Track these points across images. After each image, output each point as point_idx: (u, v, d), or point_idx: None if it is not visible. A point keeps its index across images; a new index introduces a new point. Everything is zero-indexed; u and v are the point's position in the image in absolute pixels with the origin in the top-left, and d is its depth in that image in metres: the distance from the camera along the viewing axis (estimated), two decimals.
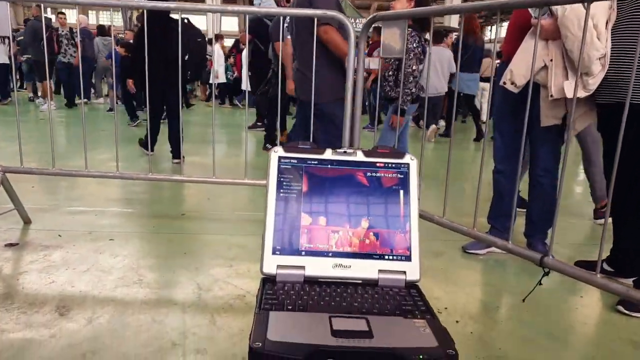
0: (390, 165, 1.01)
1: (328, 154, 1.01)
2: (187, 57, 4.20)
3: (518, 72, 2.18)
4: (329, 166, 1.01)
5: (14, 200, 2.56)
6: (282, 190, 0.98)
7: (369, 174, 1.01)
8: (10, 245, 2.36)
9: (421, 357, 0.71)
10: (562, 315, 1.94)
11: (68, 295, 1.89)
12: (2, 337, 1.59)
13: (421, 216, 1.47)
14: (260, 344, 0.73)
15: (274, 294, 0.89)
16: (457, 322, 1.82)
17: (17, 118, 2.58)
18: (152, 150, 3.83)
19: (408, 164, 1.01)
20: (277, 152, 1.01)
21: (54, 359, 1.48)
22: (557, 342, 1.73)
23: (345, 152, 1.01)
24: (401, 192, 1.00)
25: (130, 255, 2.30)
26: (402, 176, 1.01)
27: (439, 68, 6.79)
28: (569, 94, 2.04)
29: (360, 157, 1.02)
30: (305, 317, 0.81)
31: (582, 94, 2.02)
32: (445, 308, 1.92)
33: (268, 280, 0.94)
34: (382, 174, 1.01)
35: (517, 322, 1.85)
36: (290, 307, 0.84)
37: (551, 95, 2.12)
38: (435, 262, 2.41)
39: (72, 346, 1.55)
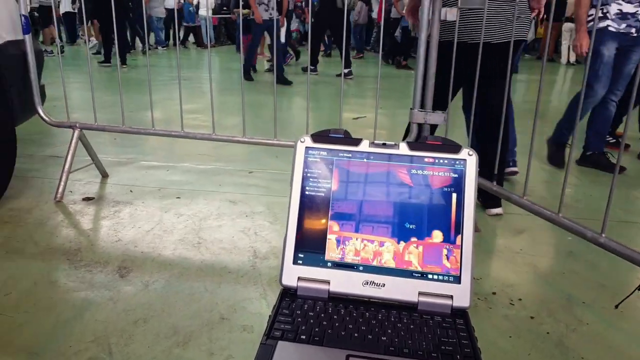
0: (441, 161, 0.81)
1: (364, 146, 0.83)
2: None
3: None
4: (365, 160, 0.83)
5: (92, 155, 2.65)
6: (308, 188, 0.83)
7: (413, 171, 0.82)
8: (87, 199, 2.46)
9: None
10: None
11: (130, 255, 1.93)
12: (67, 296, 1.65)
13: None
14: None
15: (291, 314, 0.76)
16: (531, 318, 1.60)
17: (90, 73, 2.63)
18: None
19: (465, 160, 0.81)
20: (304, 142, 0.84)
21: (109, 324, 1.50)
22: None
23: (384, 144, 0.82)
24: (454, 195, 0.80)
25: (193, 216, 2.30)
26: (456, 175, 0.81)
27: None
28: None
29: (403, 150, 0.82)
30: (318, 354, 0.68)
31: None
32: (520, 299, 1.70)
33: (287, 294, 0.81)
34: (431, 172, 0.81)
35: (606, 326, 1.59)
36: (303, 337, 0.71)
37: None
38: (513, 242, 2.15)
39: (126, 312, 1.57)
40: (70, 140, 2.51)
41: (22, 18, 2.34)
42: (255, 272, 1.83)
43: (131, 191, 2.57)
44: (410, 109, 2.09)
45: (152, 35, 12.84)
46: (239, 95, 2.81)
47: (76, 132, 2.49)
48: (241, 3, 2.35)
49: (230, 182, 2.77)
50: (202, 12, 13.54)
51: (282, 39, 8.85)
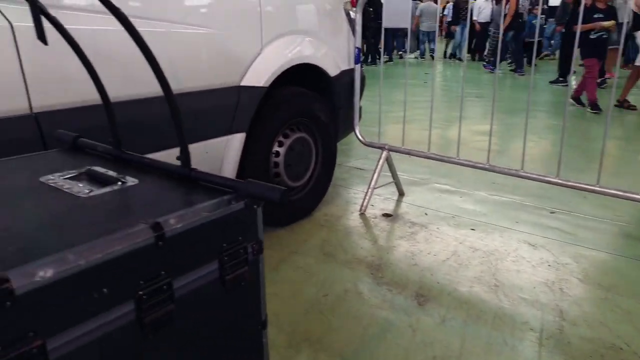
0: None
1: None
2: None
3: None
4: None
5: (394, 175, 2.85)
6: None
7: None
8: (386, 215, 2.65)
9: None
10: None
11: (427, 283, 1.98)
12: (372, 311, 1.79)
13: None
14: None
15: None
16: None
17: (405, 89, 2.81)
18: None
19: None
20: None
21: (409, 353, 1.57)
22: None
23: None
24: None
25: (489, 253, 2.22)
26: None
27: None
28: None
29: None
30: None
31: None
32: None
33: None
34: None
35: None
36: None
37: None
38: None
39: (425, 344, 1.61)
40: (377, 160, 2.74)
41: (355, 50, 2.66)
42: (563, 338, 1.64)
43: (426, 214, 2.66)
44: None
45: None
46: (553, 119, 2.57)
47: (384, 153, 2.70)
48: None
49: (528, 220, 2.58)
50: None
51: None
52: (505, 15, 9.01)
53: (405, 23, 2.42)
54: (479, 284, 1.96)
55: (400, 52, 13.41)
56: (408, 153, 2.63)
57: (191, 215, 0.80)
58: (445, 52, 13.10)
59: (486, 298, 1.87)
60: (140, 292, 0.72)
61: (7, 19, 1.38)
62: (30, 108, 1.45)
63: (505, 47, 9.88)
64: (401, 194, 2.93)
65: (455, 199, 2.88)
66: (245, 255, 0.88)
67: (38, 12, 0.74)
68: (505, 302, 1.84)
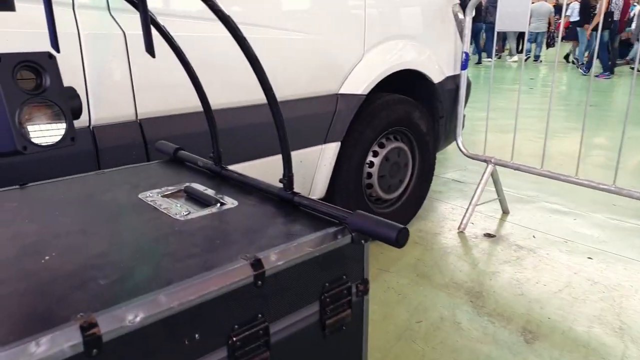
0: None
1: None
2: None
3: None
4: None
5: (499, 191, 2.61)
6: None
7: None
8: (488, 235, 2.44)
9: None
10: None
11: (535, 317, 1.76)
12: (471, 345, 1.62)
13: None
14: None
15: None
16: None
17: (518, 96, 2.57)
18: None
19: None
20: None
21: None
22: None
23: None
24: None
25: (610, 288, 1.94)
26: None
27: None
28: None
29: None
30: None
31: None
32: None
33: None
34: None
35: None
36: None
37: None
38: None
39: None
40: (481, 174, 2.53)
41: (463, 55, 2.47)
42: None
43: (534, 237, 2.40)
44: None
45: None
46: None
47: (489, 167, 2.48)
48: None
49: None
50: None
51: None
52: (594, 15, 8.24)
53: (522, 26, 2.20)
54: (600, 325, 1.71)
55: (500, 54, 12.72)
56: (517, 169, 2.39)
57: (294, 251, 0.71)
58: (567, 56, 12.10)
59: (609, 343, 1.62)
60: (235, 338, 0.65)
61: (121, 28, 1.40)
62: (136, 115, 1.47)
63: (604, 48, 8.93)
64: (505, 212, 2.69)
65: (568, 221, 2.58)
66: (348, 296, 0.78)
67: (149, 23, 0.69)
68: (634, 350, 1.58)
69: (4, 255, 0.70)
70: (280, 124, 0.76)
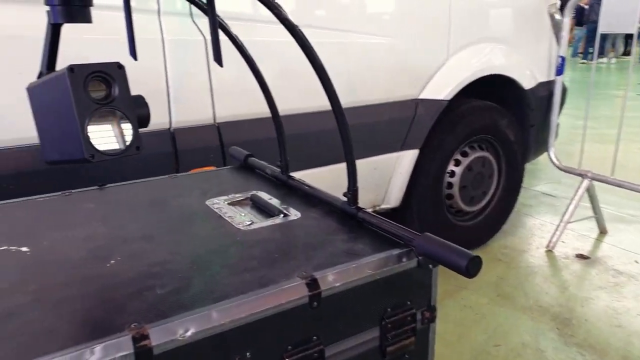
0: None
1: None
2: None
3: None
4: None
5: (595, 208, 2.37)
6: None
7: None
8: (581, 257, 2.22)
9: None
10: None
11: (635, 354, 1.56)
12: None
13: None
14: None
15: None
16: None
17: (623, 103, 2.32)
18: None
19: None
20: None
21: None
22: None
23: None
24: None
25: None
26: None
27: None
28: None
29: None
30: None
31: None
32: None
33: None
34: None
35: None
36: None
37: None
38: None
39: None
40: (576, 188, 2.31)
41: (559, 59, 2.28)
42: None
43: (636, 262, 2.15)
44: None
45: None
46: None
47: (585, 182, 2.26)
48: None
49: None
50: None
51: None
52: None
53: (630, 27, 1.97)
54: None
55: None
56: (620, 185, 2.15)
57: (353, 272, 0.67)
58: None
59: None
60: None
61: (202, 34, 1.44)
62: (214, 118, 1.50)
63: None
64: (602, 232, 2.44)
65: None
66: (413, 323, 0.72)
67: (217, 30, 0.68)
68: None
69: (74, 257, 0.73)
70: (346, 134, 0.72)
